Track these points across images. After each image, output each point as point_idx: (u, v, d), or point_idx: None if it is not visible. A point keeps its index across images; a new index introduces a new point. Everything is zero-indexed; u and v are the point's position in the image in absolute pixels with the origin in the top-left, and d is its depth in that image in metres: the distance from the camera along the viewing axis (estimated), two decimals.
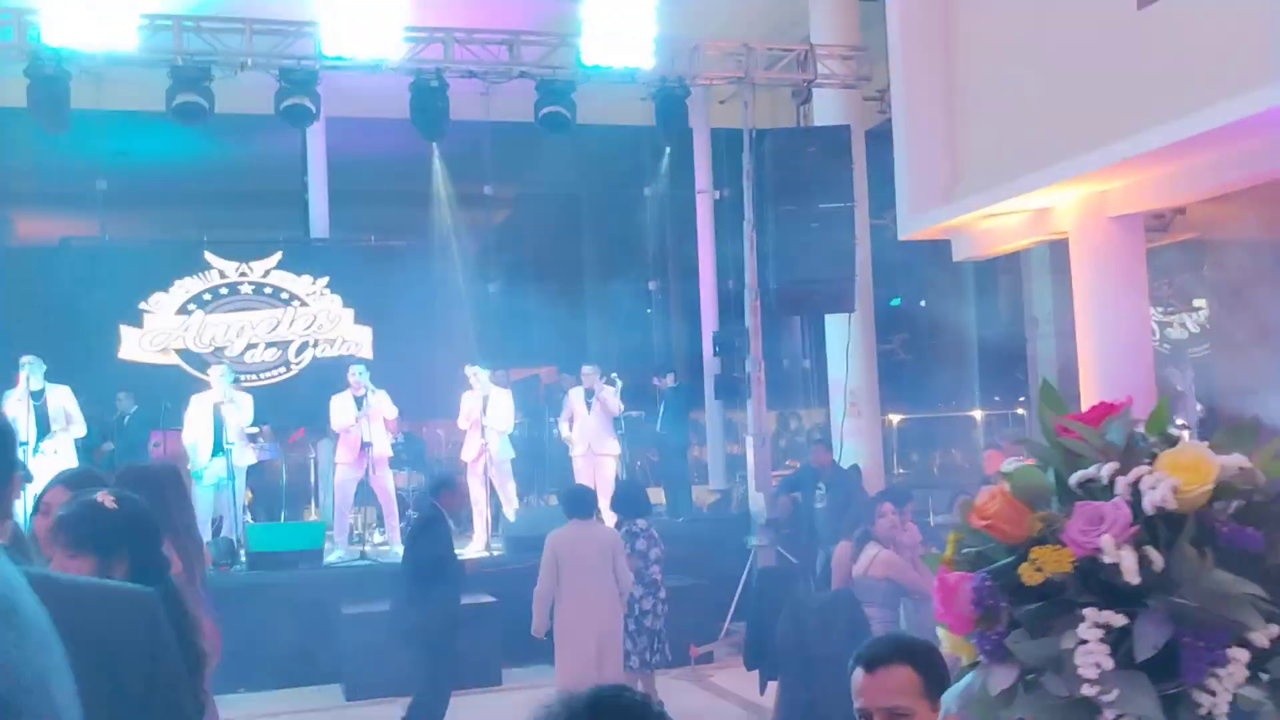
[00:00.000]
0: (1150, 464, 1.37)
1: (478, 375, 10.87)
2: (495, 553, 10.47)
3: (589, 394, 11.47)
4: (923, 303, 15.72)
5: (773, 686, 7.29)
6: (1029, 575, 1.34)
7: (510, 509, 11.10)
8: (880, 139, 11.38)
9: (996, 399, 15.29)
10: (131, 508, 2.94)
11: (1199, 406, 10.95)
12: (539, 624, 7.05)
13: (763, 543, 10.04)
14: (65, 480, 3.33)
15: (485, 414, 10.83)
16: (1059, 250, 9.91)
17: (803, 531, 10.39)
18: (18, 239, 14.88)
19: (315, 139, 13.90)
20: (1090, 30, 7.81)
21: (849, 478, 10.43)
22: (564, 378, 12.87)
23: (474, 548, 10.62)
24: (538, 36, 9.84)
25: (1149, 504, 1.32)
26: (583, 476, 11.06)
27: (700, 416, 15.01)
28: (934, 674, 2.34)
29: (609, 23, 9.60)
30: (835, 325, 11.51)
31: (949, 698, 1.55)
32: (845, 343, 10.89)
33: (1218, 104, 6.51)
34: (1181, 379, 11.56)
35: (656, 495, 12.79)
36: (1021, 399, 14.48)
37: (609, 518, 8.62)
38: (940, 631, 1.53)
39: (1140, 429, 1.44)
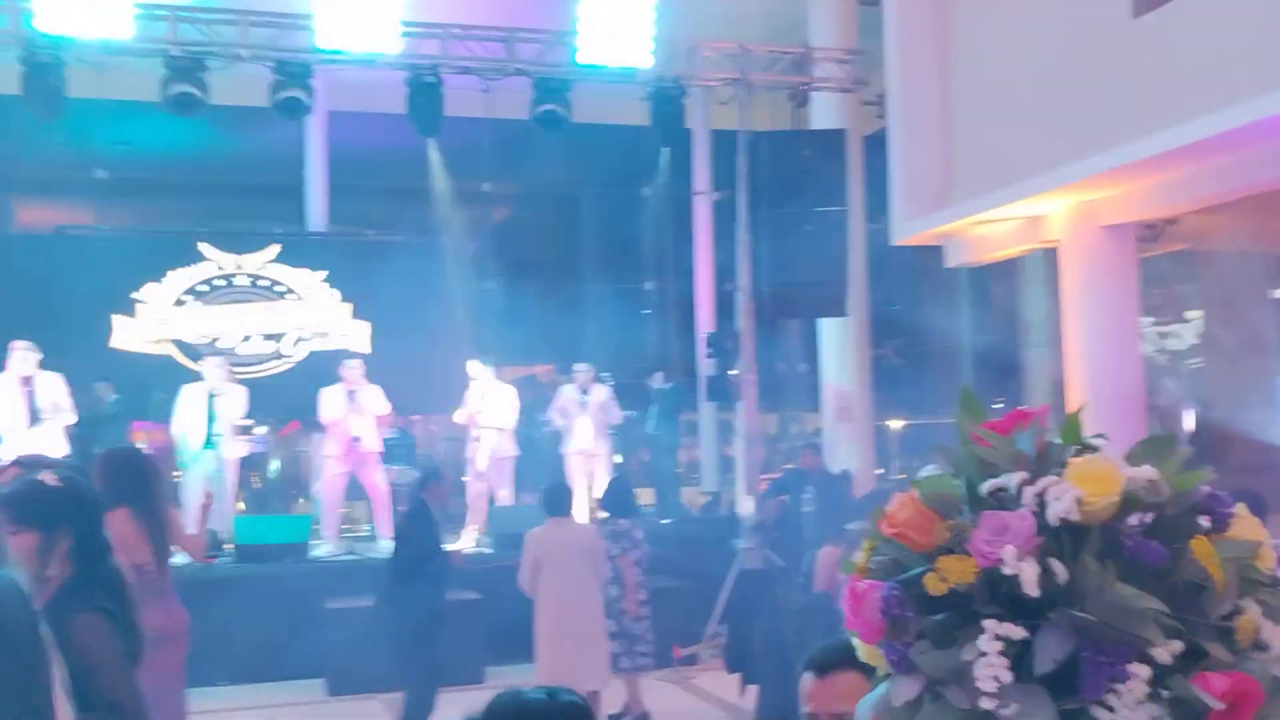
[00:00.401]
0: (1060, 474, 1.35)
1: (481, 370, 10.87)
2: (483, 549, 10.45)
3: (583, 393, 11.48)
4: (917, 309, 15.69)
5: (753, 689, 7.29)
6: (934, 585, 1.32)
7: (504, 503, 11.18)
8: (878, 145, 11.37)
9: (998, 405, 15.25)
10: (74, 486, 2.93)
11: (1190, 418, 10.92)
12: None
13: (750, 545, 10.00)
14: (19, 462, 3.34)
15: (486, 410, 10.88)
16: (1053, 257, 9.90)
17: (791, 535, 10.35)
18: (14, 226, 14.89)
19: (315, 132, 13.90)
20: (1085, 38, 7.80)
21: (838, 482, 10.41)
22: (558, 376, 12.87)
23: (465, 542, 10.64)
24: (535, 34, 9.83)
25: (1053, 515, 1.30)
26: (576, 475, 11.10)
27: (694, 418, 14.99)
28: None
29: (606, 21, 9.60)
30: (829, 329, 11.49)
31: (863, 707, 1.54)
32: (837, 347, 10.87)
33: (1210, 114, 6.50)
34: (1177, 389, 11.53)
35: (648, 496, 12.82)
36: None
37: (600, 517, 8.62)
38: (854, 640, 1.51)
39: (1055, 438, 1.42)
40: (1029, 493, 1.34)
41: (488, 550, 10.41)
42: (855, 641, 1.50)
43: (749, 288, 10.34)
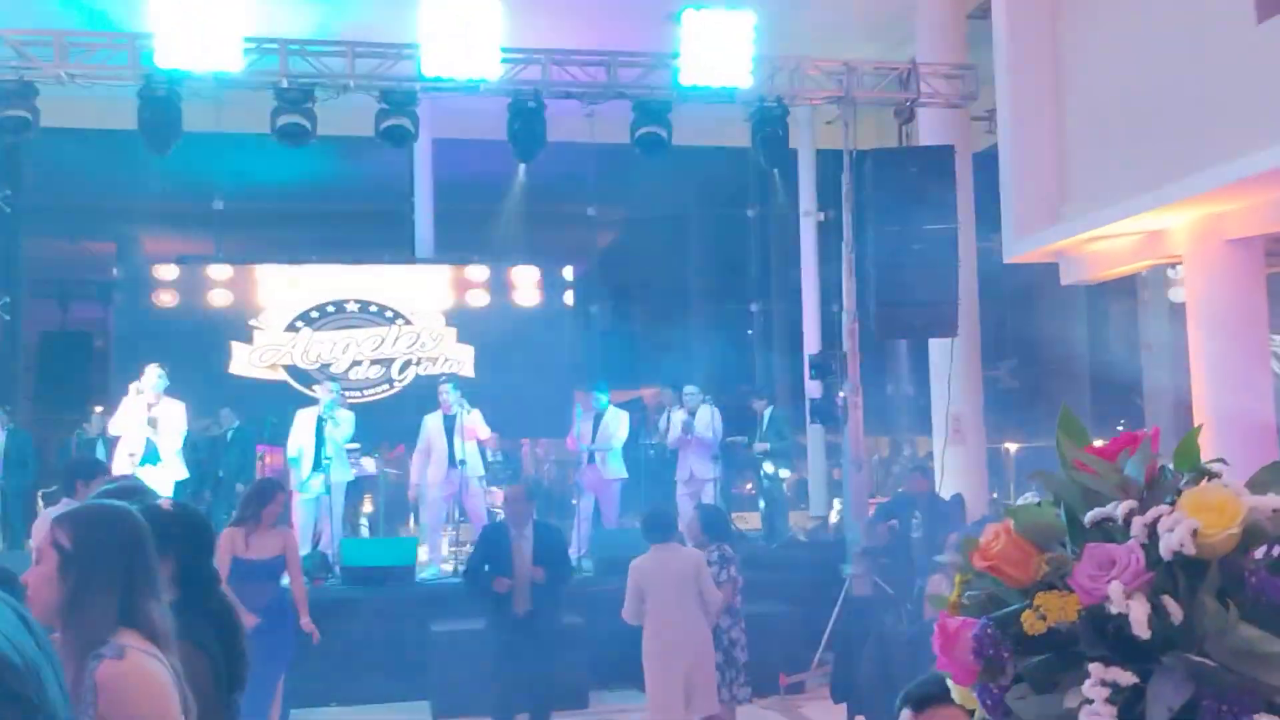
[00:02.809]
0: (1173, 503, 1.22)
1: (595, 397, 11.19)
2: (584, 573, 10.41)
3: (691, 415, 11.48)
4: (1031, 328, 15.26)
5: None
6: (1031, 624, 1.20)
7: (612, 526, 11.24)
8: (986, 161, 11.10)
9: (1120, 427, 14.72)
10: (187, 516, 2.96)
11: None
12: None
13: (858, 571, 9.78)
14: (111, 492, 3.38)
15: (597, 433, 11.11)
16: (1176, 273, 9.52)
17: (900, 560, 10.11)
18: (139, 255, 15.41)
19: (421, 160, 14.13)
20: (1206, 46, 7.48)
21: (948, 507, 10.13)
22: (664, 393, 12.81)
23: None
24: (635, 57, 9.82)
25: (1166, 548, 1.17)
26: (684, 498, 11.08)
27: (801, 440, 14.79)
28: None
29: (707, 42, 9.53)
30: (939, 350, 11.22)
31: None
32: (948, 368, 10.59)
33: None
34: None
35: (753, 520, 12.65)
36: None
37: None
38: (948, 682, 1.40)
39: (1169, 464, 1.29)
40: (1138, 523, 1.21)
41: (589, 574, 10.37)
42: (949, 682, 1.38)
43: (854, 308, 10.14)
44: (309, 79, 9.22)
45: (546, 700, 7.45)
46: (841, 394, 10.26)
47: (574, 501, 12.16)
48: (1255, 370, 8.02)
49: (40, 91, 9.00)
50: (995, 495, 13.11)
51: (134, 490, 3.31)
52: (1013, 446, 15.03)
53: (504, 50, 9.37)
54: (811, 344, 15.00)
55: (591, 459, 11.26)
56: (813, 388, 12.99)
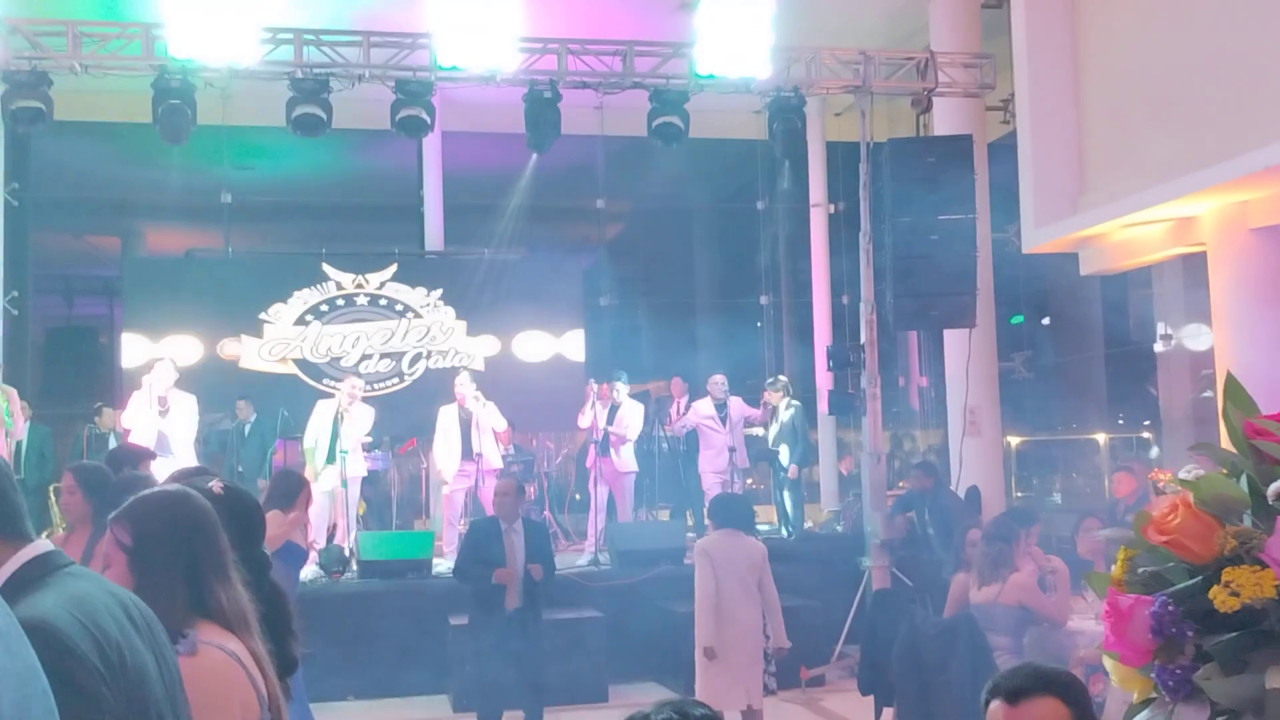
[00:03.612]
0: None
1: (616, 388, 11.20)
2: (603, 566, 10.36)
3: (719, 407, 11.44)
4: (1046, 320, 15.21)
5: (888, 713, 7.05)
6: (1222, 600, 1.15)
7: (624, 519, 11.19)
8: (1003, 151, 11.04)
9: (1120, 421, 14.70)
10: (239, 498, 2.88)
11: None
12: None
13: (877, 564, 9.74)
14: (175, 476, 3.30)
15: (612, 423, 11.10)
16: (1193, 264, 9.46)
17: (920, 553, 10.07)
18: (147, 250, 15.35)
19: (431, 153, 14.07)
20: (1230, 28, 7.41)
21: (960, 501, 10.12)
22: (675, 385, 12.78)
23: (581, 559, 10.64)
24: (652, 46, 9.75)
25: None
26: (710, 489, 11.05)
27: (813, 434, 14.75)
28: (1083, 708, 2.11)
29: (724, 32, 9.46)
30: (954, 342, 11.17)
31: None
32: (965, 360, 10.53)
33: None
34: None
35: (769, 513, 12.60)
36: (1147, 422, 13.88)
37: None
38: (1108, 662, 1.34)
39: None
40: None
41: (606, 567, 10.32)
42: (1110, 663, 1.32)
43: (871, 299, 10.07)
44: (324, 69, 9.14)
45: (539, 697, 7.36)
46: (858, 386, 10.19)
47: (577, 497, 12.13)
48: None
49: (54, 82, 8.92)
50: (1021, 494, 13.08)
51: (197, 473, 3.24)
52: (1014, 440, 14.98)
53: (520, 40, 9.28)
54: (822, 337, 14.95)
55: (605, 451, 11.20)
56: (827, 380, 12.96)
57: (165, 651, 1.98)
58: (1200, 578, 1.20)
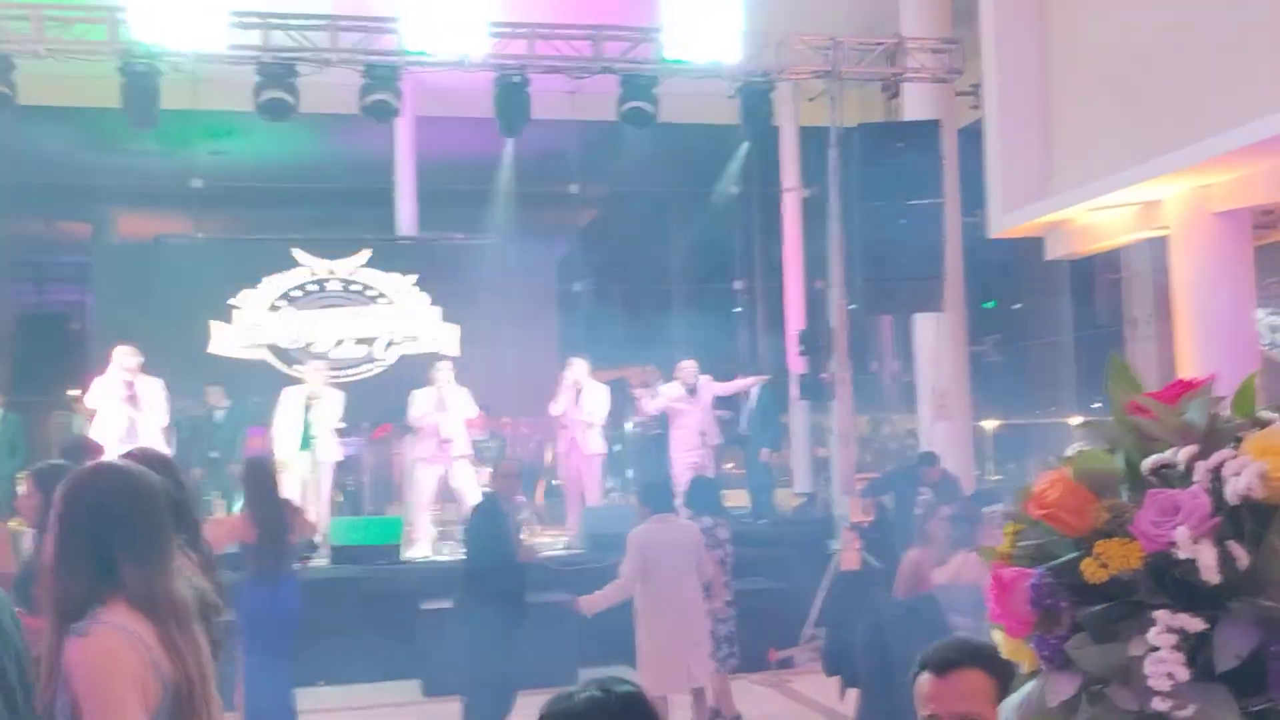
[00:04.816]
0: (1235, 448, 1.20)
1: (576, 367, 10.97)
2: (574, 550, 10.39)
3: (690, 390, 11.43)
4: (1017, 304, 15.30)
5: (853, 693, 7.10)
6: (1092, 572, 1.19)
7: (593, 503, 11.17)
8: (972, 137, 11.08)
9: (1096, 405, 14.81)
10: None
11: None
12: (600, 603, 6.75)
13: (846, 547, 9.80)
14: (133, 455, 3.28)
15: (579, 406, 10.94)
16: (1160, 247, 9.54)
17: (889, 536, 10.13)
18: (116, 236, 15.24)
19: (404, 138, 14.01)
20: (1194, 15, 7.47)
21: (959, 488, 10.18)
22: (648, 371, 12.75)
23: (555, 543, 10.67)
24: (621, 31, 9.75)
25: (1232, 493, 1.16)
26: (682, 473, 11.04)
27: (785, 418, 14.80)
28: (1007, 679, 2.16)
29: (693, 17, 9.48)
30: (924, 326, 11.23)
31: (1007, 707, 1.41)
32: (934, 344, 10.60)
33: None
34: None
35: (741, 497, 12.66)
36: None
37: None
38: (996, 635, 1.38)
39: (1225, 409, 1.27)
40: (1201, 468, 1.20)
41: (579, 551, 10.34)
42: (999, 636, 1.36)
43: (842, 284, 10.12)
44: (291, 54, 9.10)
45: (522, 677, 7.36)
46: (829, 371, 10.25)
47: (554, 482, 12.13)
48: (1242, 343, 8.04)
49: (18, 66, 8.86)
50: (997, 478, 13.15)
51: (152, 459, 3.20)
52: (989, 425, 15.06)
53: (490, 25, 9.27)
54: (794, 321, 14.99)
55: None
56: (797, 364, 13.01)
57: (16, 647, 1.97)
58: (1077, 551, 1.24)
